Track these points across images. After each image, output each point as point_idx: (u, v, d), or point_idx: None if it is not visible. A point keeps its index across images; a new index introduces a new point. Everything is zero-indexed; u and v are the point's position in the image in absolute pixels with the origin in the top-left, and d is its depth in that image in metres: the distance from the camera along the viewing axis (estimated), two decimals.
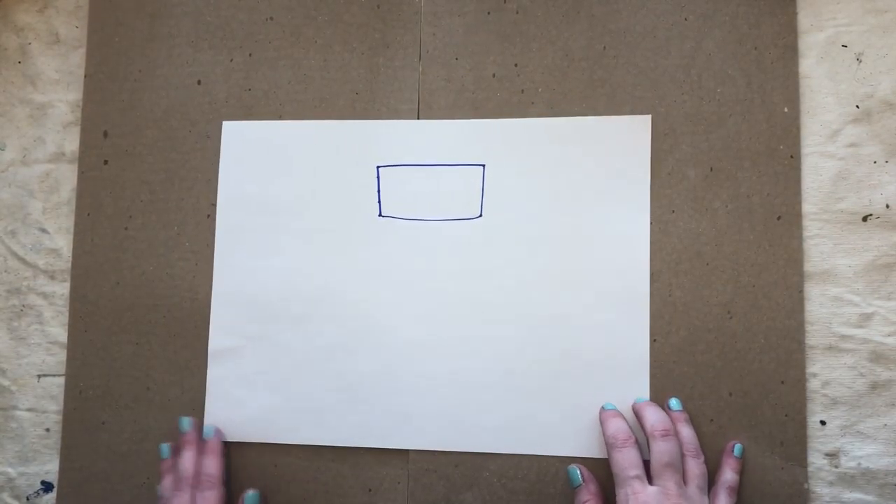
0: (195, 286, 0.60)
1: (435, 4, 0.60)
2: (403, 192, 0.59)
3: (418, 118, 0.59)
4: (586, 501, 0.53)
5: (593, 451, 0.55)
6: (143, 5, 0.63)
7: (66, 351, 0.61)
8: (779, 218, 0.56)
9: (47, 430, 0.61)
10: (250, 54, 0.62)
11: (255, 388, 0.59)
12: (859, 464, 0.54)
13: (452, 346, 0.57)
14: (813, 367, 0.55)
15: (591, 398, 0.55)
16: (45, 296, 0.62)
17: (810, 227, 0.56)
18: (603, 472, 0.55)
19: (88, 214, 0.62)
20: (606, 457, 0.54)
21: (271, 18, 0.62)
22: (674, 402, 0.55)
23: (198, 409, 0.59)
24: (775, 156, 0.56)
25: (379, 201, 0.59)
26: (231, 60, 0.62)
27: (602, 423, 0.54)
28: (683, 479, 0.51)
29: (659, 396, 0.55)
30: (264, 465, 0.58)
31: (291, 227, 0.60)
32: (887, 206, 0.55)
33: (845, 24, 0.57)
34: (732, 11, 0.57)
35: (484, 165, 0.58)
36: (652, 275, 0.56)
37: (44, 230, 0.63)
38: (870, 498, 0.54)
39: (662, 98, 0.57)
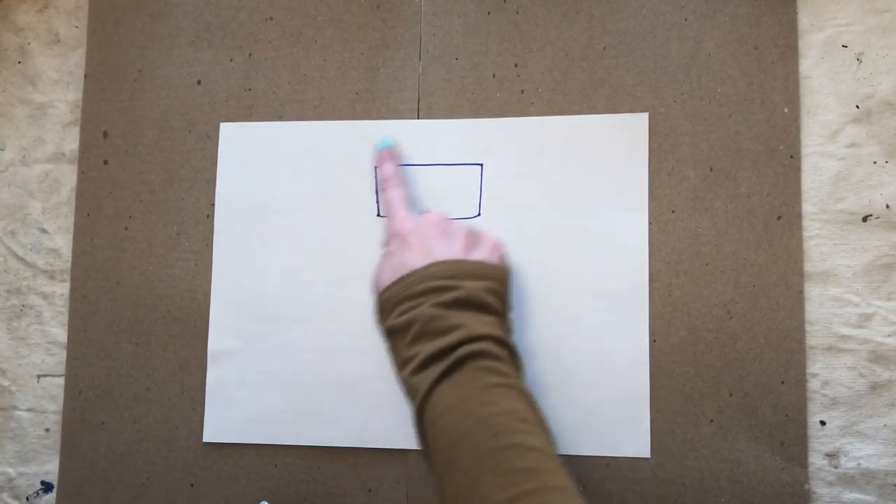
0: (195, 286, 0.60)
1: (435, 4, 0.60)
2: None
3: (418, 118, 0.59)
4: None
5: (593, 450, 0.55)
6: (143, 5, 0.63)
7: (65, 351, 0.61)
8: (779, 218, 0.55)
9: (47, 430, 0.61)
10: (250, 54, 0.61)
11: (254, 389, 0.59)
12: (859, 464, 0.54)
13: None
14: (813, 368, 0.55)
15: (591, 398, 0.55)
16: (44, 296, 0.62)
17: (810, 228, 0.56)
18: (601, 470, 0.55)
19: (88, 214, 0.62)
20: (608, 455, 0.54)
21: (271, 18, 0.62)
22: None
23: (198, 409, 0.59)
24: (775, 156, 0.56)
25: (377, 201, 0.59)
26: (231, 60, 0.62)
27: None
28: None
29: (659, 396, 0.55)
30: (264, 465, 0.58)
31: (290, 228, 0.60)
32: (887, 207, 0.55)
33: (845, 24, 0.56)
34: (732, 11, 0.57)
35: (481, 165, 0.58)
36: (651, 275, 0.56)
37: (43, 230, 0.63)
38: (870, 498, 0.54)
39: (662, 98, 0.57)
